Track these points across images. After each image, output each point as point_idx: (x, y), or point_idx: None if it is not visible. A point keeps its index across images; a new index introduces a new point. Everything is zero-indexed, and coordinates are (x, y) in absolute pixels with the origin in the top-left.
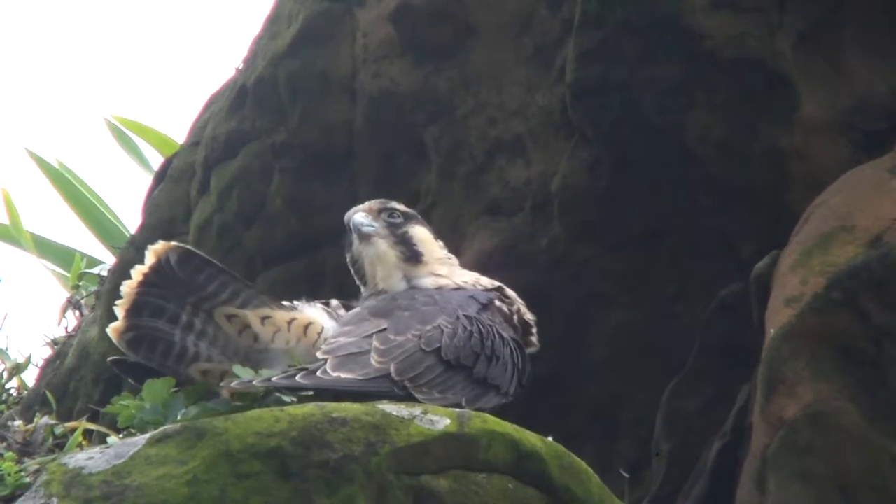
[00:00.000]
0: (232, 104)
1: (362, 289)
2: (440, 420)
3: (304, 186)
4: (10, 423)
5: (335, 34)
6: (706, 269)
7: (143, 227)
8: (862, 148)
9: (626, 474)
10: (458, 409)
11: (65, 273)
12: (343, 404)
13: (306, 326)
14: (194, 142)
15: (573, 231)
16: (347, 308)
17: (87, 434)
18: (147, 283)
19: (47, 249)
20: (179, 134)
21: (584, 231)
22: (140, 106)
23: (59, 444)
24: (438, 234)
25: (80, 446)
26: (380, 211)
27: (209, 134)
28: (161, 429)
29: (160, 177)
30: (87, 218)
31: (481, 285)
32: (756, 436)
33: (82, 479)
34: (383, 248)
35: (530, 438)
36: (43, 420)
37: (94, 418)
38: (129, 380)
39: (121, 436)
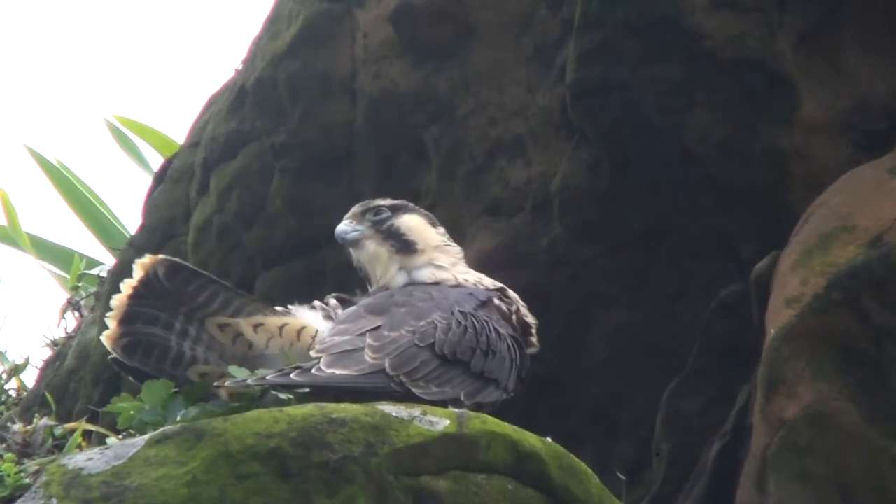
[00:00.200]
0: (232, 105)
1: (369, 288)
2: (439, 421)
3: (304, 187)
4: (9, 424)
5: (335, 34)
6: (706, 269)
7: (142, 228)
8: (862, 148)
9: (622, 476)
10: (457, 410)
11: (64, 274)
12: (342, 405)
13: (299, 331)
14: (194, 142)
15: (573, 231)
16: (347, 304)
17: (87, 435)
18: (137, 295)
19: (46, 250)
20: (179, 134)
21: (584, 231)
22: (140, 106)
23: (59, 446)
24: None
25: (79, 447)
26: (364, 213)
27: (209, 134)
28: (160, 430)
29: (160, 178)
30: (86, 218)
31: (483, 285)
32: (756, 436)
33: (82, 480)
34: (373, 247)
35: (530, 439)
36: (42, 421)
37: (93, 419)
38: (130, 378)
39: (120, 437)
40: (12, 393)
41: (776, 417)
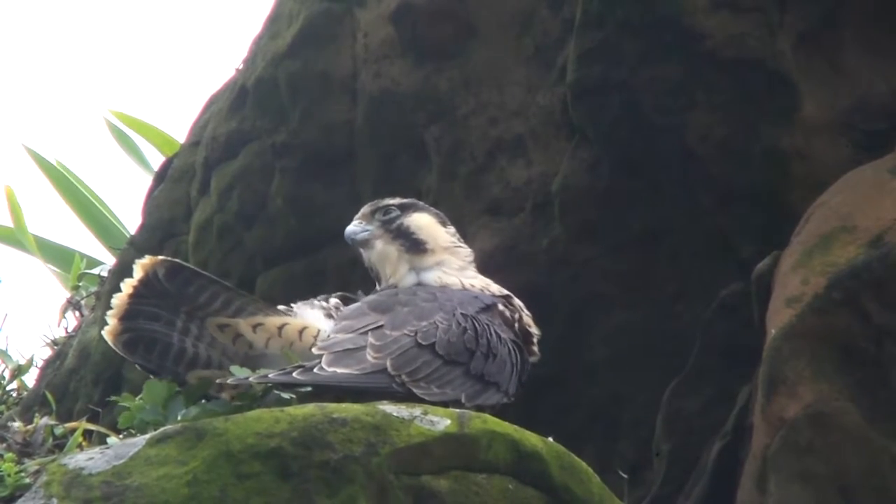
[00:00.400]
0: (232, 104)
1: (378, 288)
2: (440, 420)
3: (305, 186)
4: (10, 423)
5: (336, 34)
6: (706, 269)
7: (143, 228)
8: (862, 148)
9: (624, 475)
10: (458, 410)
11: (65, 273)
12: (343, 405)
13: (301, 331)
14: (194, 142)
15: (573, 231)
16: (349, 302)
17: (87, 435)
18: (138, 294)
19: (47, 250)
20: (179, 132)
21: (584, 231)
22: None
23: (59, 445)
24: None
25: (80, 447)
26: (373, 212)
27: (209, 134)
28: (161, 429)
29: (160, 177)
30: (86, 218)
31: (490, 291)
32: (756, 436)
33: (82, 479)
34: (382, 246)
35: (530, 439)
36: (43, 421)
37: (94, 419)
38: (138, 366)
39: (121, 436)
40: (13, 392)
41: (776, 417)
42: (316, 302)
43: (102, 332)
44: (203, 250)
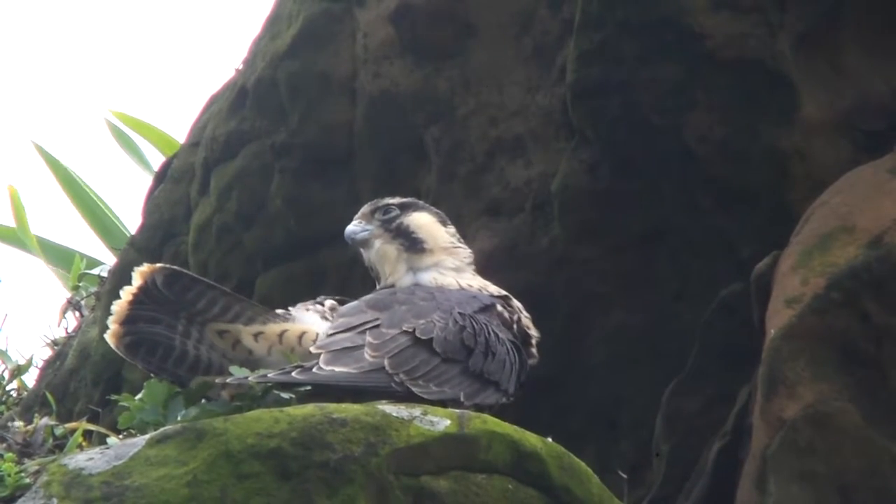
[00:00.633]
0: (232, 105)
1: (377, 287)
2: (440, 421)
3: (304, 187)
4: (10, 423)
5: (335, 34)
6: (706, 270)
7: (143, 228)
8: (862, 148)
9: (624, 475)
10: (458, 410)
11: (66, 273)
12: (343, 405)
13: (300, 336)
14: (194, 142)
15: (573, 232)
16: (343, 304)
17: (87, 435)
18: (137, 301)
19: (48, 250)
20: (180, 133)
21: (583, 232)
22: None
23: (59, 445)
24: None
25: (80, 447)
26: (373, 212)
27: (209, 134)
28: (161, 430)
29: (160, 177)
30: (89, 217)
31: (488, 292)
32: (756, 436)
33: (82, 479)
34: (380, 245)
35: (530, 439)
36: (43, 421)
37: (94, 419)
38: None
39: (121, 437)
40: (13, 393)
41: (776, 417)
42: (311, 305)
43: (105, 336)
44: (203, 250)
